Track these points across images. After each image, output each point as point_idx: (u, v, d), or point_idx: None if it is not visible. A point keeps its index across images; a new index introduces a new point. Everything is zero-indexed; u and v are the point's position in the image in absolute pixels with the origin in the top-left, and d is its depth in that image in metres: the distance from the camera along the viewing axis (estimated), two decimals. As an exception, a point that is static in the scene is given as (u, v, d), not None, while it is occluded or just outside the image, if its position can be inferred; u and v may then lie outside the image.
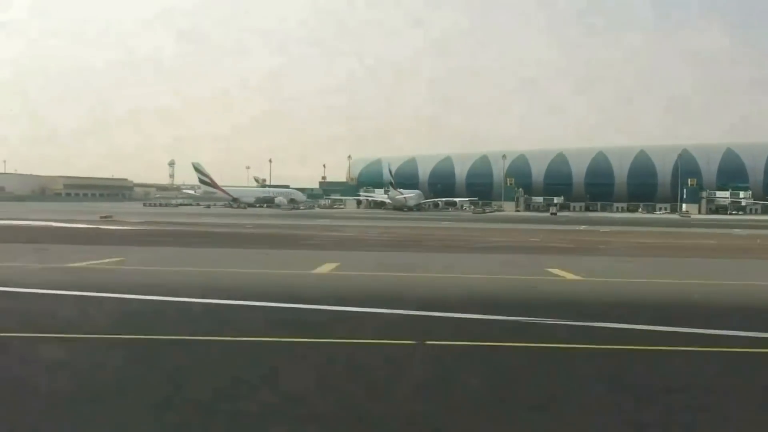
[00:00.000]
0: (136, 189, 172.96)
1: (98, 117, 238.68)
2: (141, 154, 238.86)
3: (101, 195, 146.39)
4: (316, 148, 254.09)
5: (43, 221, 38.48)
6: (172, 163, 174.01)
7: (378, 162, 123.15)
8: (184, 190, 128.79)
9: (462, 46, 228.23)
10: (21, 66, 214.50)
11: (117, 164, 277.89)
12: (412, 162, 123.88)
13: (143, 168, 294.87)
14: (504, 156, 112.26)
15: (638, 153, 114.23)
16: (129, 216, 50.80)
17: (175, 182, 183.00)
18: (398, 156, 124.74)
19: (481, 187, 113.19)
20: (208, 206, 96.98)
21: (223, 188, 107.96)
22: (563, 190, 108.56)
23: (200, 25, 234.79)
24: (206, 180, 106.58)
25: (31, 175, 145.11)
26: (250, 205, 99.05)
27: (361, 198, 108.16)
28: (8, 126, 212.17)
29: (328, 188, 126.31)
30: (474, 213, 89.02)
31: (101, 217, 44.49)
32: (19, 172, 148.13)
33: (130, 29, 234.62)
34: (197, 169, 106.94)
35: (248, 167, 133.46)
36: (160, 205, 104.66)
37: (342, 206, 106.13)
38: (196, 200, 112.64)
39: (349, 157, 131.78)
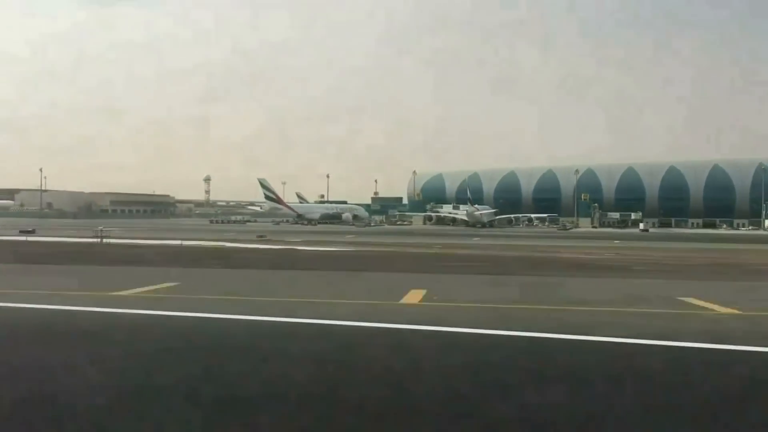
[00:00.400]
0: (178, 205, 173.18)
1: (124, 129, 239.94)
2: (171, 168, 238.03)
3: (145, 211, 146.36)
4: (341, 163, 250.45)
5: (185, 240, 35.44)
6: (207, 179, 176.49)
7: (439, 177, 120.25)
8: (250, 207, 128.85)
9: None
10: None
11: (145, 179, 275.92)
12: (475, 177, 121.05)
13: (175, 183, 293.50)
14: (576, 171, 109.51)
15: (713, 168, 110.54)
16: (247, 234, 48.08)
17: (211, 198, 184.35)
18: (459, 171, 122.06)
19: (548, 202, 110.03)
20: (277, 223, 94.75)
21: (289, 204, 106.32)
22: (635, 205, 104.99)
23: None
24: (272, 196, 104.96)
25: (78, 192, 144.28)
26: (319, 222, 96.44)
27: (431, 214, 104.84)
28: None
29: (384, 204, 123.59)
30: (558, 230, 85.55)
31: (258, 237, 42.49)
32: (68, 189, 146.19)
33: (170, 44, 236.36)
34: (263, 185, 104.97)
35: (284, 183, 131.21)
36: (228, 221, 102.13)
37: (408, 222, 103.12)
38: (256, 216, 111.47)
39: (414, 172, 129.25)
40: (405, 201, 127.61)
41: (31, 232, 44.62)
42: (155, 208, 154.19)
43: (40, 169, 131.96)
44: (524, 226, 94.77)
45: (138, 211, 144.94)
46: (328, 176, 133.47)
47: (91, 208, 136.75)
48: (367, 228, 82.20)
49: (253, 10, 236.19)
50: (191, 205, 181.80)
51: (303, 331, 8.85)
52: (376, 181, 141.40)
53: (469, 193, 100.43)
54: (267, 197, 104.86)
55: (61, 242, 34.98)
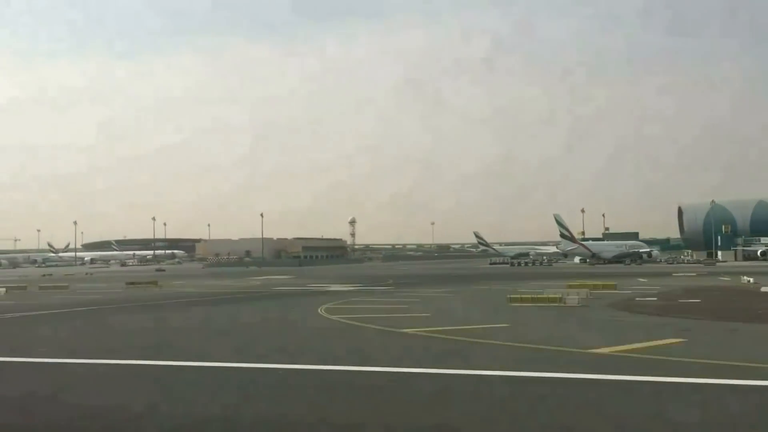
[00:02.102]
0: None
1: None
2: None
3: (328, 256, 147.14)
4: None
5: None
6: (353, 222, 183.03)
7: (720, 207, 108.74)
8: (539, 248, 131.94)
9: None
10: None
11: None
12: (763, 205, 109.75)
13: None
14: None
15: None
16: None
17: (356, 241, 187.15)
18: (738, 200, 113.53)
19: None
20: (593, 264, 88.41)
21: (582, 243, 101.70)
22: None
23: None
24: (566, 234, 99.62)
25: (270, 239, 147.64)
26: (610, 261, 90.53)
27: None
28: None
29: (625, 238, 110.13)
30: None
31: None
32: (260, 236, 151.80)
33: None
34: (558, 221, 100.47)
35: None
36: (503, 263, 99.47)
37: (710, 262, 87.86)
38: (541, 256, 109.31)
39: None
40: (648, 236, 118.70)
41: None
42: (333, 252, 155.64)
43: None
44: None
45: (322, 256, 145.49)
46: (583, 211, 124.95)
47: (279, 256, 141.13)
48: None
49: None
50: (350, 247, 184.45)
51: None
52: (603, 215, 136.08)
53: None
54: (562, 235, 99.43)
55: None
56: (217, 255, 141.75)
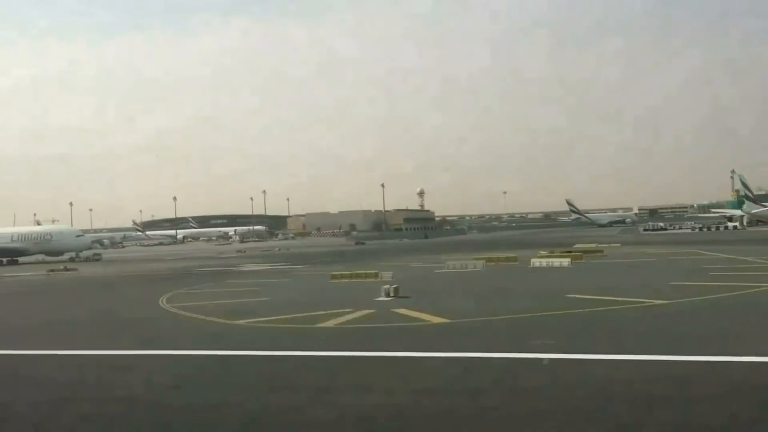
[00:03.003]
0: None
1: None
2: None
3: (426, 228, 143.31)
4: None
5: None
6: (422, 193, 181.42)
7: None
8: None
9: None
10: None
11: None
12: None
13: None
14: None
15: None
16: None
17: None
18: None
19: None
20: None
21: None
22: None
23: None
24: (749, 196, 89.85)
25: (369, 211, 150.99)
26: None
27: None
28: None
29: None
30: None
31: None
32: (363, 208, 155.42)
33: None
34: (744, 183, 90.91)
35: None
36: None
37: None
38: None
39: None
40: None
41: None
42: (428, 225, 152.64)
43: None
44: None
45: (420, 228, 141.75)
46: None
47: (381, 228, 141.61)
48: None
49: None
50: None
51: None
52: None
53: None
54: (746, 197, 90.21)
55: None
56: (318, 229, 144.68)
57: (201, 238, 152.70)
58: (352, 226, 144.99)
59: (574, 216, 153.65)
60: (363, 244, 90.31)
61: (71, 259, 62.39)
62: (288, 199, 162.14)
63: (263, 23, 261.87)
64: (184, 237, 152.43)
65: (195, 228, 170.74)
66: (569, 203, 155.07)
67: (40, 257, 64.96)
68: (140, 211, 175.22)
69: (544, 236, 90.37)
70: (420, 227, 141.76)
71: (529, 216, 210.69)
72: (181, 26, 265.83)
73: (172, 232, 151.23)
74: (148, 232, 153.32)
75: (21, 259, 63.99)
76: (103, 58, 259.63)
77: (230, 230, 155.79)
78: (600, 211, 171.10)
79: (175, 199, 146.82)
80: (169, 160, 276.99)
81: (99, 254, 69.10)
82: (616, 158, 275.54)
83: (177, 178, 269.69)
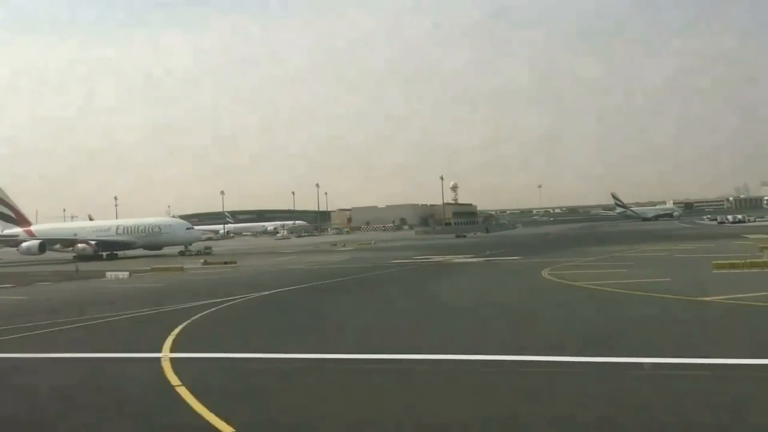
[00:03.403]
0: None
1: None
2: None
3: (473, 223, 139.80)
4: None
5: None
6: (455, 187, 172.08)
7: None
8: None
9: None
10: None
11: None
12: None
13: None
14: None
15: None
16: None
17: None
18: None
19: None
20: None
21: None
22: None
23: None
24: None
25: (416, 205, 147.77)
26: None
27: None
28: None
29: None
30: None
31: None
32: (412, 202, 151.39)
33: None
34: None
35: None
36: None
37: None
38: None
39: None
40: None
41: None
42: (469, 219, 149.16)
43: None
44: None
45: (468, 223, 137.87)
46: None
47: (427, 222, 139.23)
48: None
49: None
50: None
51: None
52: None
53: None
54: None
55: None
56: (367, 223, 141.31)
57: (244, 233, 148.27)
58: (403, 221, 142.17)
59: (619, 209, 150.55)
60: (464, 237, 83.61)
61: (181, 253, 58.66)
62: (326, 194, 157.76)
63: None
64: (227, 232, 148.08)
65: (231, 223, 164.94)
66: (614, 197, 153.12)
67: (139, 251, 61.42)
68: (168, 206, 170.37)
69: (628, 229, 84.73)
70: (466, 222, 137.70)
71: (555, 210, 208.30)
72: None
73: (217, 227, 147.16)
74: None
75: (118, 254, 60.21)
76: (102, 54, 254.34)
77: (272, 225, 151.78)
78: (636, 204, 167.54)
79: (222, 193, 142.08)
80: (184, 156, 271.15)
81: (210, 247, 65.02)
82: (644, 152, 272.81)
83: (196, 171, 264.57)
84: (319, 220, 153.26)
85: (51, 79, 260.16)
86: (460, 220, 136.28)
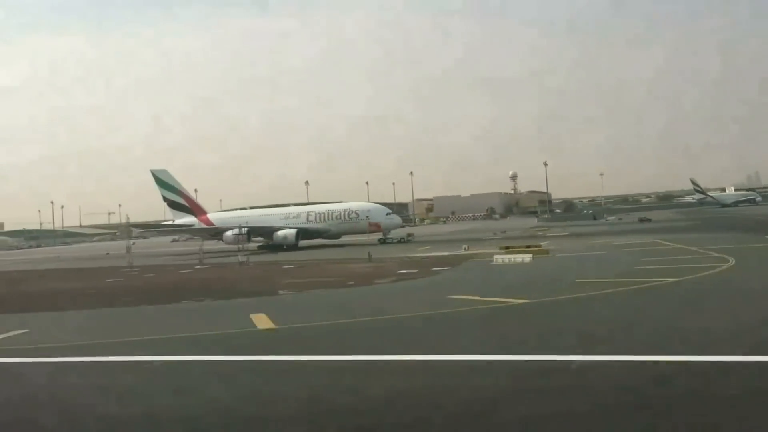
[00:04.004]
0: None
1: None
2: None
3: (551, 211, 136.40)
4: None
5: None
6: (514, 177, 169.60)
7: None
8: None
9: None
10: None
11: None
12: None
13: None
14: None
15: None
16: None
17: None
18: None
19: None
20: None
21: None
22: None
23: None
24: None
25: (499, 193, 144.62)
26: None
27: None
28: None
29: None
30: None
31: None
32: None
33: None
34: None
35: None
36: None
37: None
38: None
39: None
40: None
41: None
42: (548, 207, 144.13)
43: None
44: None
45: (550, 211, 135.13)
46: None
47: (512, 211, 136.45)
48: None
49: None
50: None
51: None
52: None
53: None
54: None
55: None
56: (453, 213, 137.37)
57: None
58: (492, 210, 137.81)
59: (698, 196, 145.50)
60: (649, 220, 71.02)
61: (381, 241, 53.38)
62: (394, 184, 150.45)
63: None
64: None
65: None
66: (693, 182, 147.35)
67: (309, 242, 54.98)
68: (220, 200, 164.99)
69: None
70: (543, 210, 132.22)
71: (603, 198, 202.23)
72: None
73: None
74: None
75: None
76: (101, 49, 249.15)
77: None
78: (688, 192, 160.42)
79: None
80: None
81: (412, 234, 59.52)
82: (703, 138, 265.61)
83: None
84: (395, 210, 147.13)
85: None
86: (543, 208, 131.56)
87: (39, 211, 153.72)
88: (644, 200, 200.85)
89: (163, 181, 61.74)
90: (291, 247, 52.77)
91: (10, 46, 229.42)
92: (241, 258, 36.78)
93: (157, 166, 62.87)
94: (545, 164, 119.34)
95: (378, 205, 62.70)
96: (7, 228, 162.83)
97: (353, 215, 56.92)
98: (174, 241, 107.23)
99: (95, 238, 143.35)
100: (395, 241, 54.43)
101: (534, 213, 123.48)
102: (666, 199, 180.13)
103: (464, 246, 38.13)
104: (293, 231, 54.29)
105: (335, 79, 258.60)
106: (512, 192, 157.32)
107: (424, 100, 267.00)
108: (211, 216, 62.03)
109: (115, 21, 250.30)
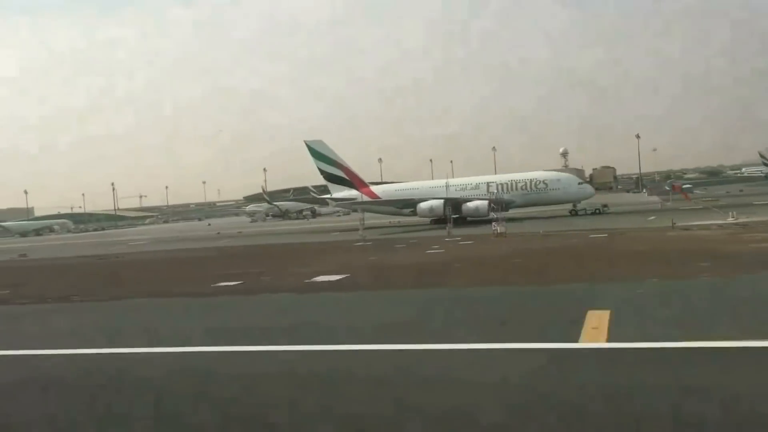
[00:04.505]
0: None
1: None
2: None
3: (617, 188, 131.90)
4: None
5: None
6: (565, 153, 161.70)
7: None
8: None
9: None
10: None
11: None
12: None
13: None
14: None
15: None
16: None
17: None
18: None
19: None
20: None
21: None
22: None
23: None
24: None
25: (574, 169, 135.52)
26: None
27: None
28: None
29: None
30: None
31: None
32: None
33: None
34: None
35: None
36: None
37: None
38: None
39: None
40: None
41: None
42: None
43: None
44: None
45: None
46: None
47: None
48: None
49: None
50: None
51: None
52: None
53: None
54: None
55: None
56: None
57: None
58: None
59: (766, 169, 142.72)
60: None
61: (572, 213, 49.72)
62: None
63: None
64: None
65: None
66: (762, 155, 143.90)
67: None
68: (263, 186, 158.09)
69: None
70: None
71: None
72: None
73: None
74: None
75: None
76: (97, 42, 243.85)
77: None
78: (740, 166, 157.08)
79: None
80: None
81: (606, 205, 53.26)
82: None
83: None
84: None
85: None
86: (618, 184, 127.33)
87: (83, 194, 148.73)
88: (687, 176, 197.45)
89: (318, 153, 57.16)
90: (481, 219, 48.50)
91: None
92: (499, 228, 33.20)
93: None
94: (637, 137, 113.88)
95: (569, 174, 58.42)
96: (36, 213, 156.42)
97: (541, 185, 52.65)
98: (253, 221, 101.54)
99: (147, 221, 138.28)
100: (589, 212, 50.30)
101: (610, 188, 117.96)
102: (714, 175, 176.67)
103: (731, 213, 34.11)
104: (485, 203, 49.87)
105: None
106: (563, 168, 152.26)
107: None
108: (376, 189, 57.49)
109: None
